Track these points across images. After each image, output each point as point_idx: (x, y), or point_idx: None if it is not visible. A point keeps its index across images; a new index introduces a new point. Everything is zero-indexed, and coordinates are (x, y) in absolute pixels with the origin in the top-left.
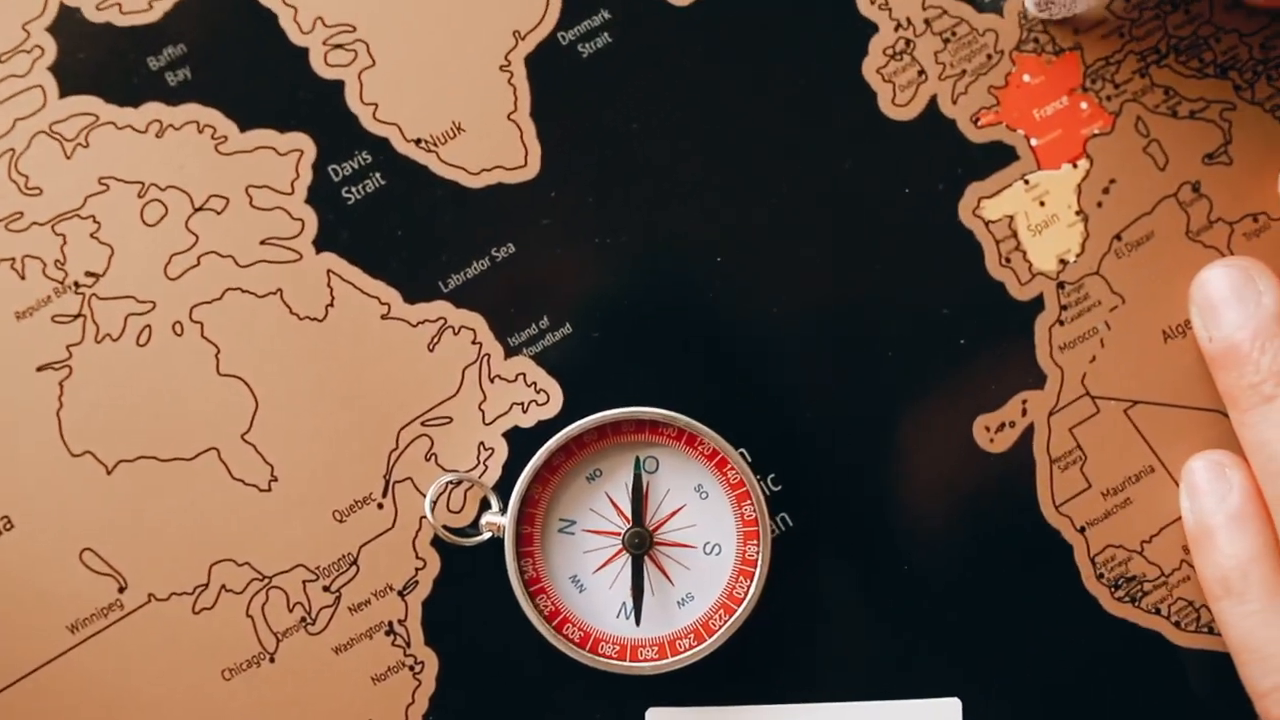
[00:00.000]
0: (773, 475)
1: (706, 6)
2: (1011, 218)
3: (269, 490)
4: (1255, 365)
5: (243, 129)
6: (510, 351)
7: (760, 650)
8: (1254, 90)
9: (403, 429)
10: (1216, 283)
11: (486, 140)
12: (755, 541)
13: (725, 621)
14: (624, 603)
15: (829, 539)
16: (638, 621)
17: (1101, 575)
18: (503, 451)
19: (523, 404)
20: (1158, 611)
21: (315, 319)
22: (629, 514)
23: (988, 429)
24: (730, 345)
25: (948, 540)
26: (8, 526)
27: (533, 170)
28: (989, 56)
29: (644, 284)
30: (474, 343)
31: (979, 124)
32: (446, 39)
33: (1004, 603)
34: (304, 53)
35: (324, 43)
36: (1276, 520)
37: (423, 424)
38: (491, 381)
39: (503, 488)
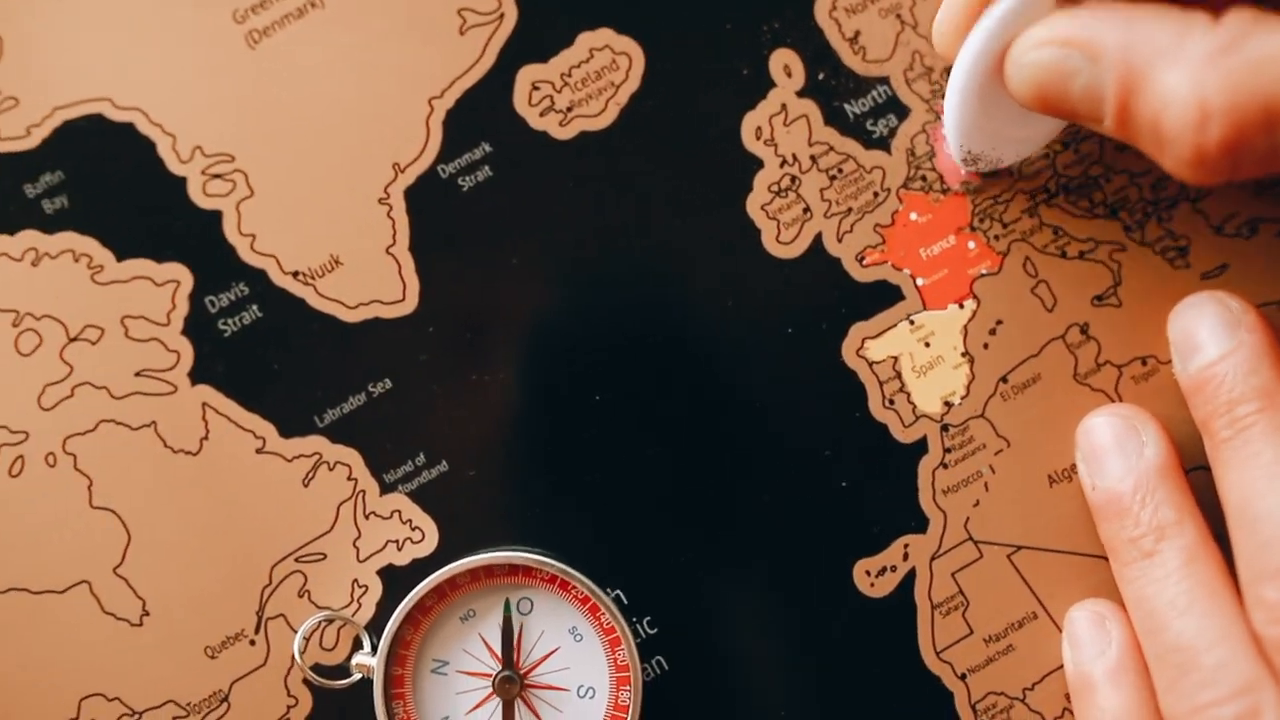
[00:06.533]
0: (649, 618)
1: (588, 140)
2: (896, 359)
3: (140, 625)
4: (1136, 519)
5: (119, 258)
6: (386, 488)
7: None
8: (1144, 231)
9: (276, 565)
10: (1100, 431)
11: (364, 274)
12: (628, 687)
13: None
14: None
15: (704, 683)
16: None
17: None
18: (377, 589)
19: (398, 541)
20: None
21: (189, 452)
22: (501, 655)
23: (868, 573)
24: (608, 485)
25: (826, 687)
26: None
27: (411, 305)
28: (876, 194)
29: (522, 421)
30: (349, 479)
31: (864, 263)
32: (326, 170)
33: None
34: (182, 182)
35: (203, 172)
36: (1155, 678)
37: (296, 560)
38: (366, 518)
39: (376, 626)
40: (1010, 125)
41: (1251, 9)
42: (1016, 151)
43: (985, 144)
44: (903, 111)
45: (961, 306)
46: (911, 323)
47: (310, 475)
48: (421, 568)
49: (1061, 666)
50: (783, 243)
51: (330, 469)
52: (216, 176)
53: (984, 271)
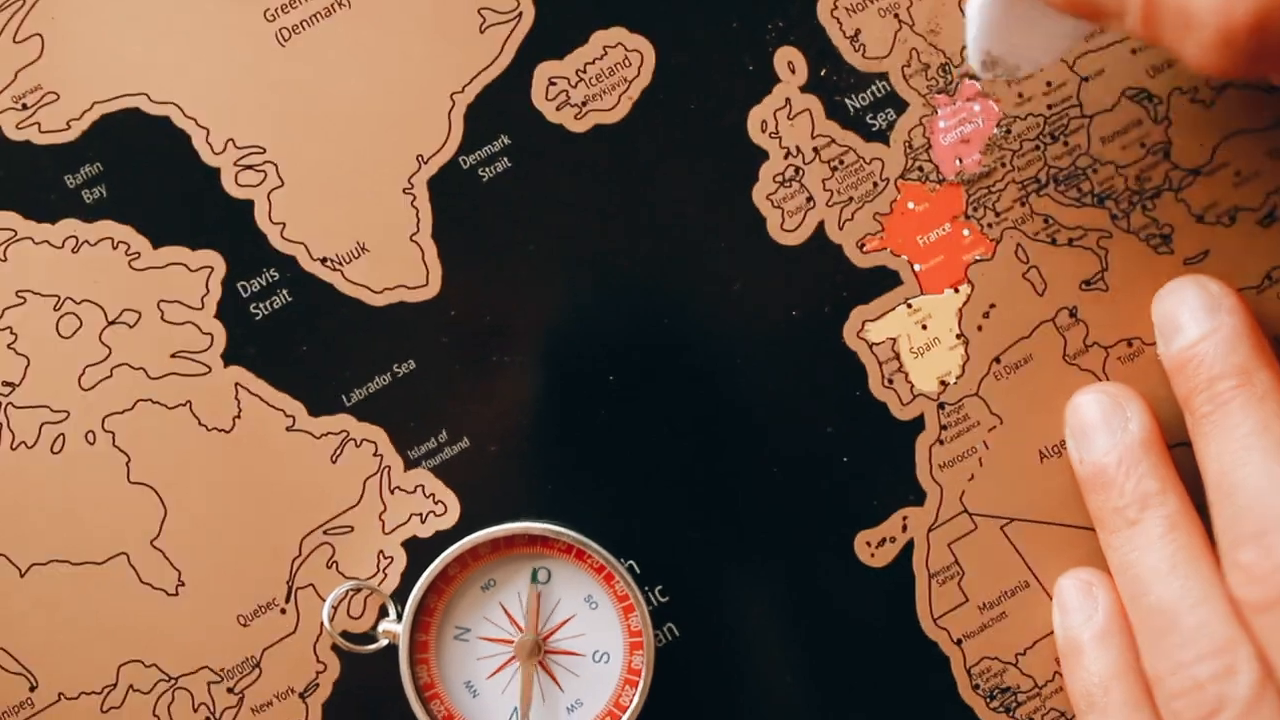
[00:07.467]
0: (661, 586)
1: (602, 133)
2: (894, 340)
3: (176, 594)
4: (1120, 490)
5: (155, 246)
6: (410, 464)
7: None
8: (1129, 219)
9: (305, 537)
10: (1088, 408)
11: (390, 260)
12: (641, 652)
13: None
14: (516, 708)
15: (714, 649)
16: None
17: (978, 686)
18: (401, 560)
19: (421, 515)
20: None
21: (223, 430)
22: (521, 623)
23: (869, 544)
24: (622, 461)
25: (828, 652)
26: None
27: (433, 289)
28: (875, 184)
29: (539, 400)
30: (375, 455)
31: (864, 249)
32: (353, 161)
33: (883, 714)
34: (216, 173)
35: (235, 163)
36: (1139, 640)
37: (325, 532)
38: (391, 492)
39: (401, 595)
40: (1034, 25)
41: None
42: (1034, 60)
43: (1005, 46)
44: (900, 106)
45: (957, 291)
46: (909, 306)
47: (338, 452)
48: (444, 539)
49: (1052, 632)
50: (787, 230)
51: (357, 445)
52: (248, 167)
53: (978, 257)
